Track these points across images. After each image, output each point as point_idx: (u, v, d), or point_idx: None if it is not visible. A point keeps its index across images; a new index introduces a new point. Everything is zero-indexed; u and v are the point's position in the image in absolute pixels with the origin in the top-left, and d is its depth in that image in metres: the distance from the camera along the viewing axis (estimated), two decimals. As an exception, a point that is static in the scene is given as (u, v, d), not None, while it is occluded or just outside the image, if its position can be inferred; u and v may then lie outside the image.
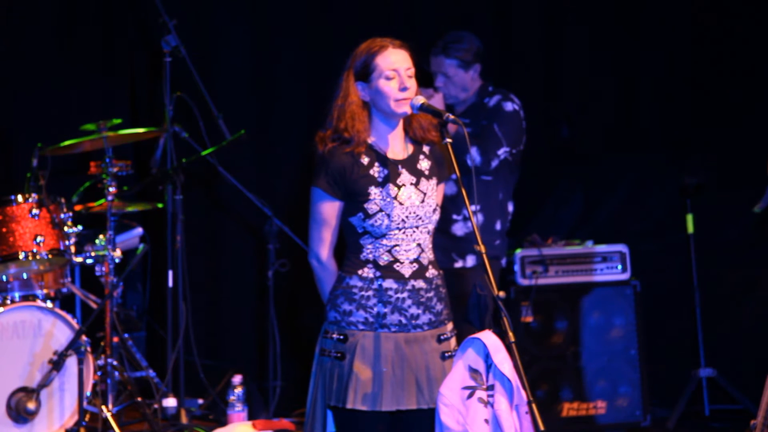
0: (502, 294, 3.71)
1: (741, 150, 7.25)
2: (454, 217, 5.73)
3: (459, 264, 5.74)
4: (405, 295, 3.92)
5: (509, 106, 5.78)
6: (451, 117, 3.87)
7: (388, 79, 3.91)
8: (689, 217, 6.83)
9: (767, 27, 7.27)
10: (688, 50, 7.47)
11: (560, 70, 7.52)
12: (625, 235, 6.75)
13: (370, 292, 3.91)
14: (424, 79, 5.75)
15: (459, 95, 5.80)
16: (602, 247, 6.55)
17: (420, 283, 3.94)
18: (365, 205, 3.90)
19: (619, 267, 6.51)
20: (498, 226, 5.81)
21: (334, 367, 3.91)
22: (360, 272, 3.93)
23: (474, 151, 5.65)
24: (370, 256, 3.93)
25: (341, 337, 3.91)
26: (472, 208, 5.74)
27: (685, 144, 7.35)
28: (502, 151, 5.70)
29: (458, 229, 5.74)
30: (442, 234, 5.68)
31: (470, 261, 5.74)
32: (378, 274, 3.92)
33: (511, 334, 3.66)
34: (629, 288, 6.52)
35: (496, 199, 5.80)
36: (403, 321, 3.92)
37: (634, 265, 6.54)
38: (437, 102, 5.57)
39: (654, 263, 6.97)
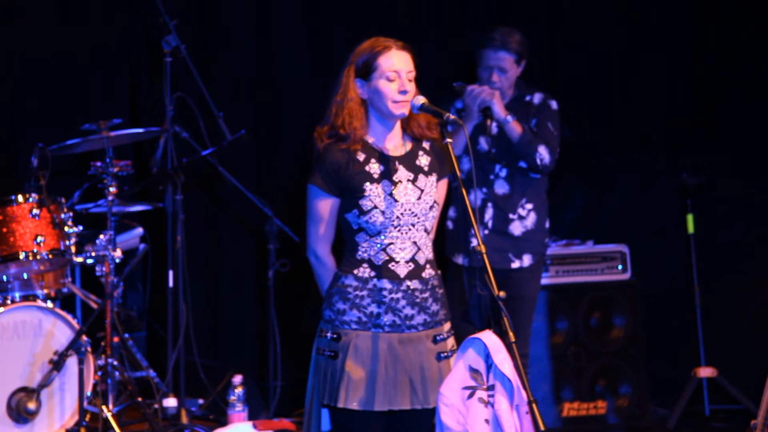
0: (502, 294, 3.71)
1: (741, 150, 7.25)
2: (510, 216, 5.69)
3: (516, 264, 5.68)
4: (399, 295, 3.92)
5: (555, 105, 5.75)
6: (452, 117, 3.87)
7: (388, 80, 3.91)
8: (689, 217, 6.83)
9: (767, 27, 7.28)
10: (688, 50, 7.47)
11: (560, 70, 7.52)
12: (625, 235, 6.75)
13: (365, 292, 3.91)
14: (470, 72, 5.75)
15: (507, 91, 5.68)
16: (602, 247, 6.55)
17: (415, 284, 3.94)
18: (360, 202, 3.91)
19: (620, 267, 6.51)
20: (547, 224, 5.80)
21: (328, 366, 3.92)
22: (355, 272, 3.93)
23: (543, 150, 5.61)
24: (366, 255, 3.93)
25: (335, 336, 3.92)
26: (529, 206, 5.74)
27: (685, 144, 7.35)
28: (558, 150, 5.69)
29: (515, 228, 5.69)
30: (498, 234, 5.64)
31: (527, 260, 5.70)
32: (373, 273, 3.92)
33: (511, 334, 3.66)
34: (629, 288, 6.52)
35: (544, 198, 5.78)
36: (397, 321, 3.92)
37: (634, 265, 6.55)
38: (498, 99, 5.52)
39: (654, 263, 6.97)
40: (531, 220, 5.70)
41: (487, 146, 5.66)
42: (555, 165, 5.68)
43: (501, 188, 5.64)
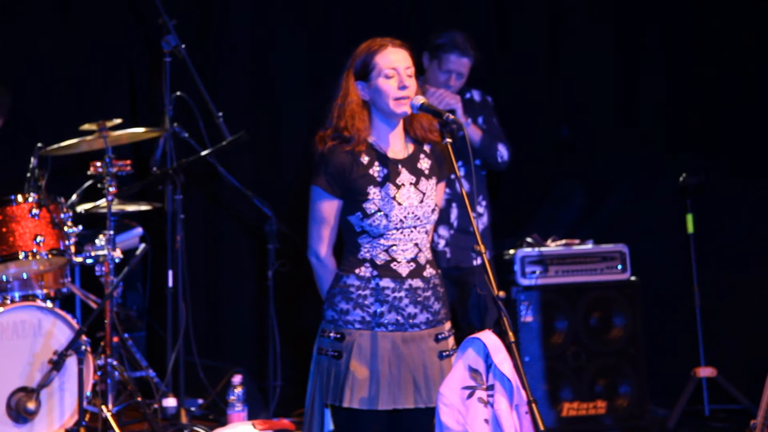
0: (502, 294, 3.71)
1: (741, 150, 7.25)
2: (472, 214, 5.74)
3: (479, 260, 5.73)
4: (402, 294, 3.93)
5: (491, 100, 5.84)
6: (451, 117, 3.87)
7: (387, 77, 3.91)
8: (689, 217, 6.83)
9: (767, 28, 7.28)
10: (689, 50, 7.47)
11: (560, 70, 7.52)
12: (625, 235, 6.75)
13: (367, 291, 3.92)
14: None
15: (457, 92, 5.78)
16: (602, 247, 6.55)
17: (417, 282, 3.95)
18: (364, 205, 3.91)
19: (619, 267, 6.51)
20: (490, 220, 5.86)
21: (331, 366, 3.91)
22: (357, 271, 3.93)
23: (502, 147, 5.68)
24: (368, 255, 3.93)
25: (338, 335, 3.92)
26: (484, 203, 5.78)
27: (685, 144, 7.35)
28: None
29: (477, 225, 5.74)
30: (462, 233, 5.69)
31: (488, 256, 5.76)
32: (375, 273, 3.92)
33: (511, 334, 3.66)
34: (629, 288, 6.52)
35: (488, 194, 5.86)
36: (400, 320, 3.92)
37: (634, 265, 6.54)
38: (460, 103, 5.57)
39: (654, 263, 6.97)
40: (486, 216, 5.80)
41: None
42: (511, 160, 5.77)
43: (465, 187, 5.68)
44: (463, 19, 7.29)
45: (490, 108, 5.84)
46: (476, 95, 5.84)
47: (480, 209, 5.79)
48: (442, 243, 5.71)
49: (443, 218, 5.71)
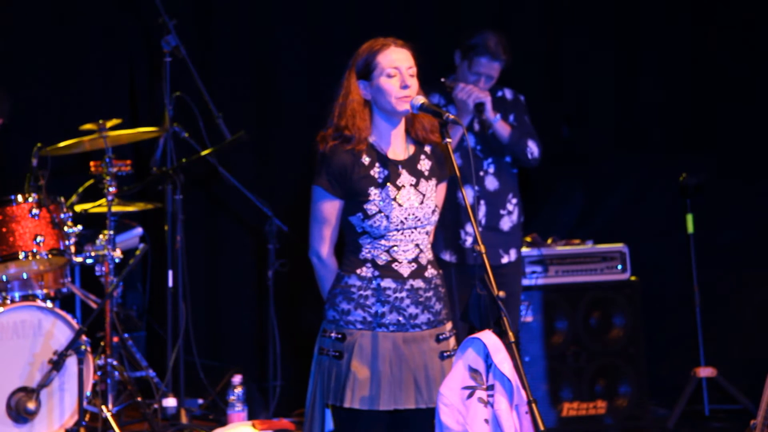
0: (502, 294, 3.71)
1: (741, 150, 7.25)
2: (501, 212, 5.72)
3: (505, 259, 5.72)
4: (403, 294, 3.92)
5: (523, 99, 5.81)
6: (451, 117, 3.87)
7: (389, 76, 3.91)
8: (689, 217, 6.83)
9: (766, 27, 7.28)
10: (688, 50, 7.47)
11: (560, 70, 7.52)
12: (625, 235, 6.75)
13: (369, 292, 3.91)
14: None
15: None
16: (602, 247, 6.55)
17: (419, 283, 3.95)
18: (365, 206, 3.91)
19: (619, 267, 6.51)
20: (522, 219, 5.83)
21: (332, 366, 3.91)
22: (358, 271, 3.93)
23: (532, 144, 5.67)
24: (369, 255, 3.93)
25: (339, 336, 3.92)
26: (514, 201, 5.76)
27: (685, 144, 7.35)
28: None
29: (505, 223, 5.73)
30: (490, 231, 5.68)
31: (513, 255, 5.75)
32: (376, 273, 3.92)
33: (511, 334, 3.66)
34: (629, 288, 6.52)
35: (519, 192, 5.83)
36: (402, 320, 3.92)
37: (634, 265, 6.55)
38: (489, 97, 5.57)
39: (654, 263, 6.97)
40: (515, 214, 5.77)
41: (473, 143, 5.69)
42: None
43: (491, 184, 5.67)
44: (463, 19, 7.29)
45: (522, 106, 5.81)
46: (508, 93, 5.81)
47: (510, 207, 5.75)
48: (470, 240, 5.67)
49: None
